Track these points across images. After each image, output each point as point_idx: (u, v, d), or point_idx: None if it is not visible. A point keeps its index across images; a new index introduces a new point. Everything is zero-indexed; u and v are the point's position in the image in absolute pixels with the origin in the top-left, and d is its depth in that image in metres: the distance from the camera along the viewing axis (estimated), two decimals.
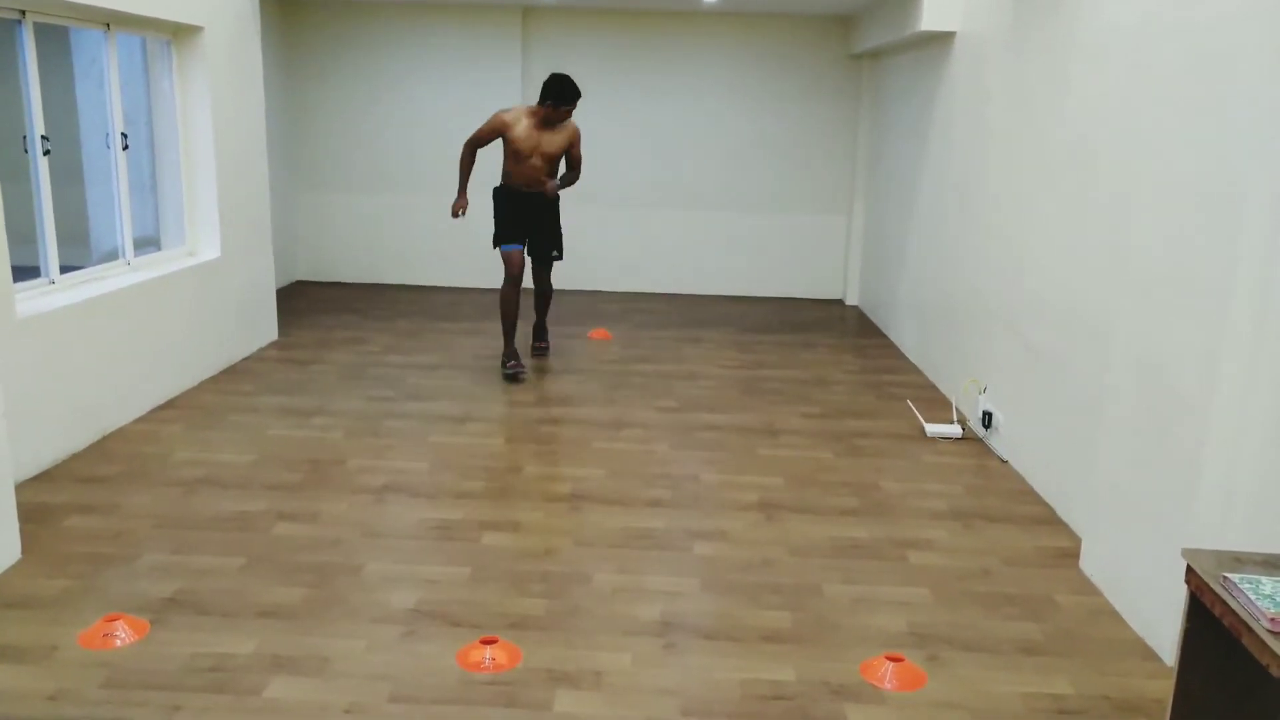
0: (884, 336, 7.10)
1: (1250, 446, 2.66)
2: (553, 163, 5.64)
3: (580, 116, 8.34)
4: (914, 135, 6.55)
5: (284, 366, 5.82)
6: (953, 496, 4.11)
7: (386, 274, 8.51)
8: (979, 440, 4.79)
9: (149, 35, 5.26)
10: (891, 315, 7.08)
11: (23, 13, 4.20)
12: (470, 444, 4.58)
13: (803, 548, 3.58)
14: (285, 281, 8.12)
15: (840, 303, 8.38)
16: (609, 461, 4.40)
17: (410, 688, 2.66)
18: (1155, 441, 2.97)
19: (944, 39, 5.87)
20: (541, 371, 5.89)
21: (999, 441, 4.61)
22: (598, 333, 6.83)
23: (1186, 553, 2.13)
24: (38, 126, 4.31)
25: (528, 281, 5.92)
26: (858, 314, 7.93)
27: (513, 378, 5.59)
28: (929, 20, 5.62)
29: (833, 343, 6.86)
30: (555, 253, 5.90)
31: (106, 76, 4.93)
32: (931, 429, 4.86)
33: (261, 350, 6.14)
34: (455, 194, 5.76)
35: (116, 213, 5.05)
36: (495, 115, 5.59)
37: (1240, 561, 2.08)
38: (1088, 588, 3.33)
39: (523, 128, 5.51)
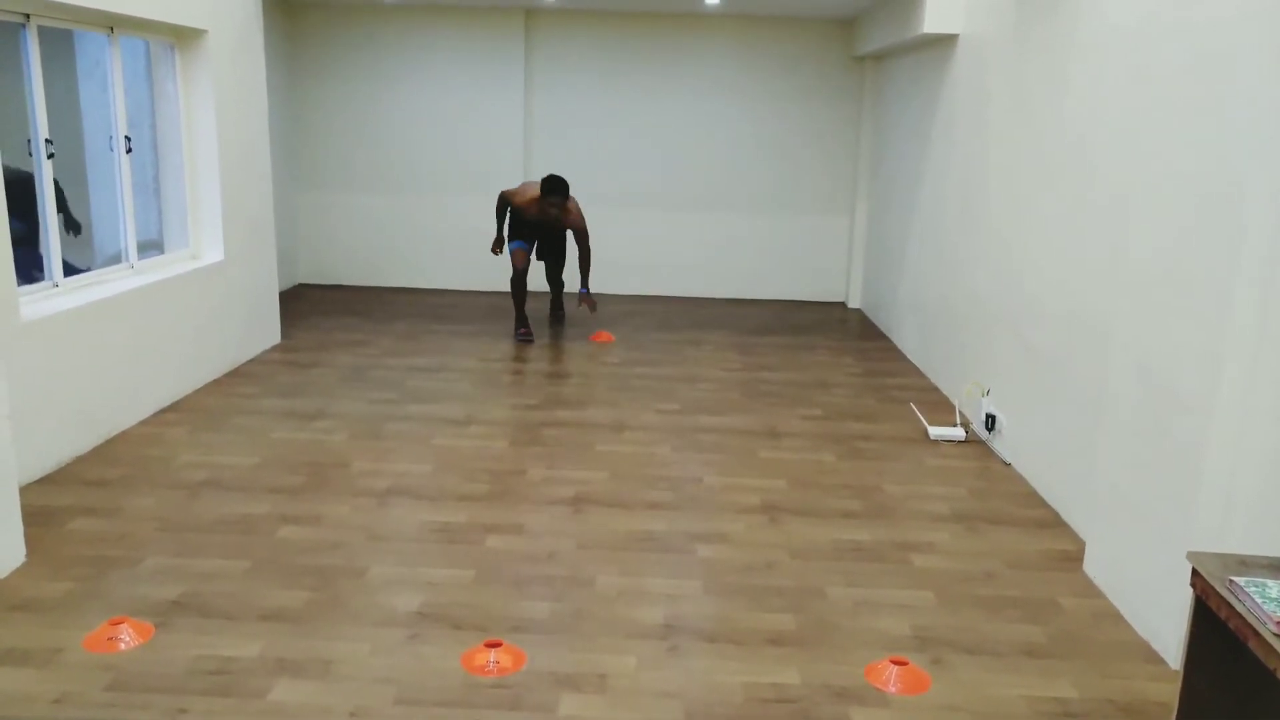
0: (886, 339, 7.10)
1: (1252, 448, 2.67)
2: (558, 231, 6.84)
3: (583, 118, 8.42)
4: (916, 137, 6.56)
5: (287, 369, 5.83)
6: (956, 499, 4.11)
7: (388, 277, 8.52)
8: (982, 443, 4.79)
9: (152, 38, 5.27)
10: (893, 317, 7.08)
11: (27, 16, 4.21)
12: (473, 446, 4.58)
13: (805, 550, 3.58)
14: (287, 284, 8.12)
15: (842, 305, 8.38)
16: (611, 464, 4.40)
17: (415, 690, 2.66)
18: (1157, 443, 2.97)
19: (946, 41, 5.87)
20: (543, 374, 5.89)
21: (1002, 444, 4.61)
22: (599, 335, 6.84)
23: (1191, 556, 2.13)
24: (42, 129, 4.32)
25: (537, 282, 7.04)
26: (859, 316, 7.94)
27: (525, 341, 6.54)
28: (931, 23, 5.63)
29: (834, 345, 6.86)
30: (564, 260, 7.07)
31: (110, 79, 4.94)
32: (935, 431, 4.86)
33: (264, 353, 6.15)
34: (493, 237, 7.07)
35: (120, 216, 5.06)
36: (521, 188, 6.71)
37: (1245, 564, 2.08)
38: (1091, 590, 3.33)
39: (530, 206, 6.51)
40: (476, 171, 8.27)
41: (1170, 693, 2.73)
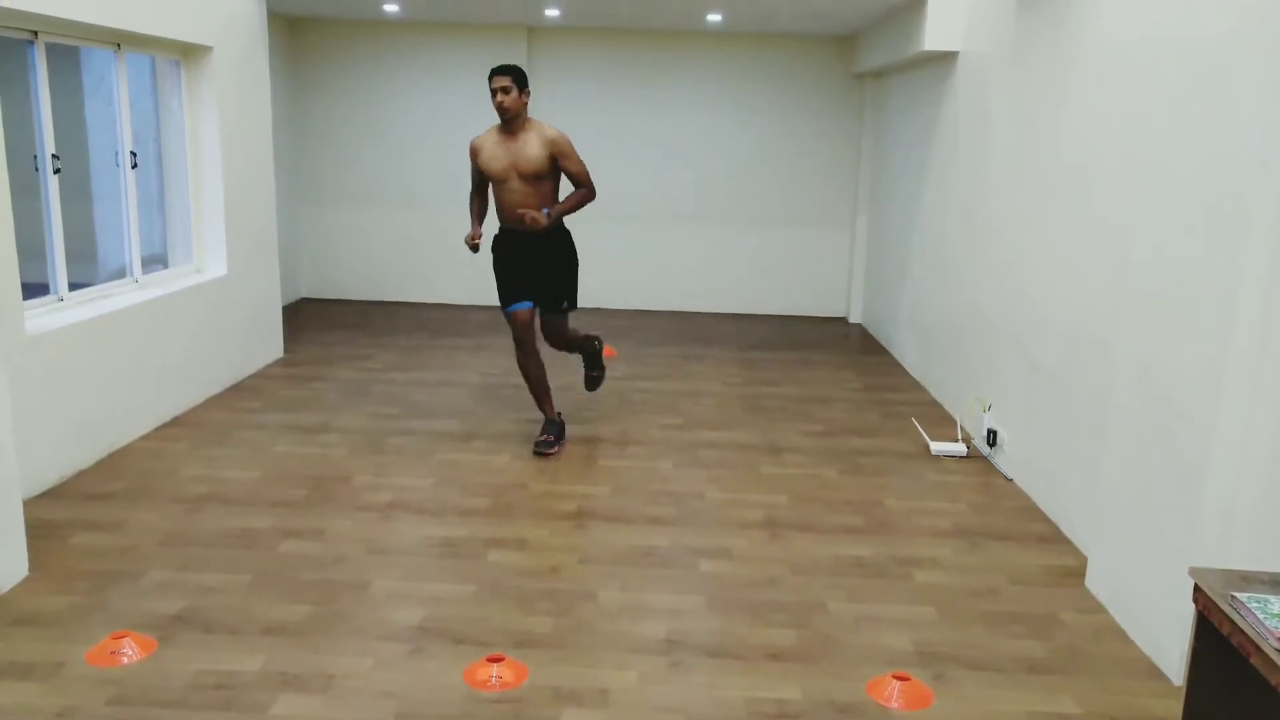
0: (887, 354, 7.11)
1: (1254, 463, 2.67)
2: (537, 185, 4.51)
3: (584, 135, 8.44)
4: (916, 153, 6.59)
5: (289, 383, 5.84)
6: (958, 514, 4.11)
7: (390, 291, 8.54)
8: (984, 458, 4.80)
9: (158, 55, 5.31)
10: (894, 332, 7.09)
11: (35, 33, 4.24)
12: (475, 461, 4.59)
13: (807, 566, 3.58)
14: (289, 298, 8.14)
15: (843, 320, 8.39)
16: (613, 479, 4.41)
17: (417, 705, 2.66)
18: (1159, 458, 2.98)
19: (946, 59, 5.91)
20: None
21: (1004, 459, 4.61)
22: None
23: (1194, 571, 2.14)
24: (48, 145, 4.35)
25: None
26: (861, 331, 7.95)
27: (545, 452, 4.67)
28: (931, 40, 5.66)
29: (835, 360, 6.87)
30: (566, 303, 4.74)
31: (116, 95, 4.97)
32: (936, 447, 4.87)
33: (267, 367, 6.16)
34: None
35: (125, 230, 5.08)
36: (470, 144, 4.70)
37: (1247, 580, 2.09)
38: (1093, 606, 3.33)
39: (489, 146, 4.55)
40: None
41: (1173, 709, 2.73)
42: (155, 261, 5.47)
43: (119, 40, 4.85)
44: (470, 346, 6.89)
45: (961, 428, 5.12)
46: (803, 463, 4.71)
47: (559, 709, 2.66)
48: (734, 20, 7.27)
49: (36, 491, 3.98)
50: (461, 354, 6.68)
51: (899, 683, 2.78)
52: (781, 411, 5.55)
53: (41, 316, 4.27)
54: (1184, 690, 2.16)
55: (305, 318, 7.69)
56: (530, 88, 4.55)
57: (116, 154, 5.04)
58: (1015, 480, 4.47)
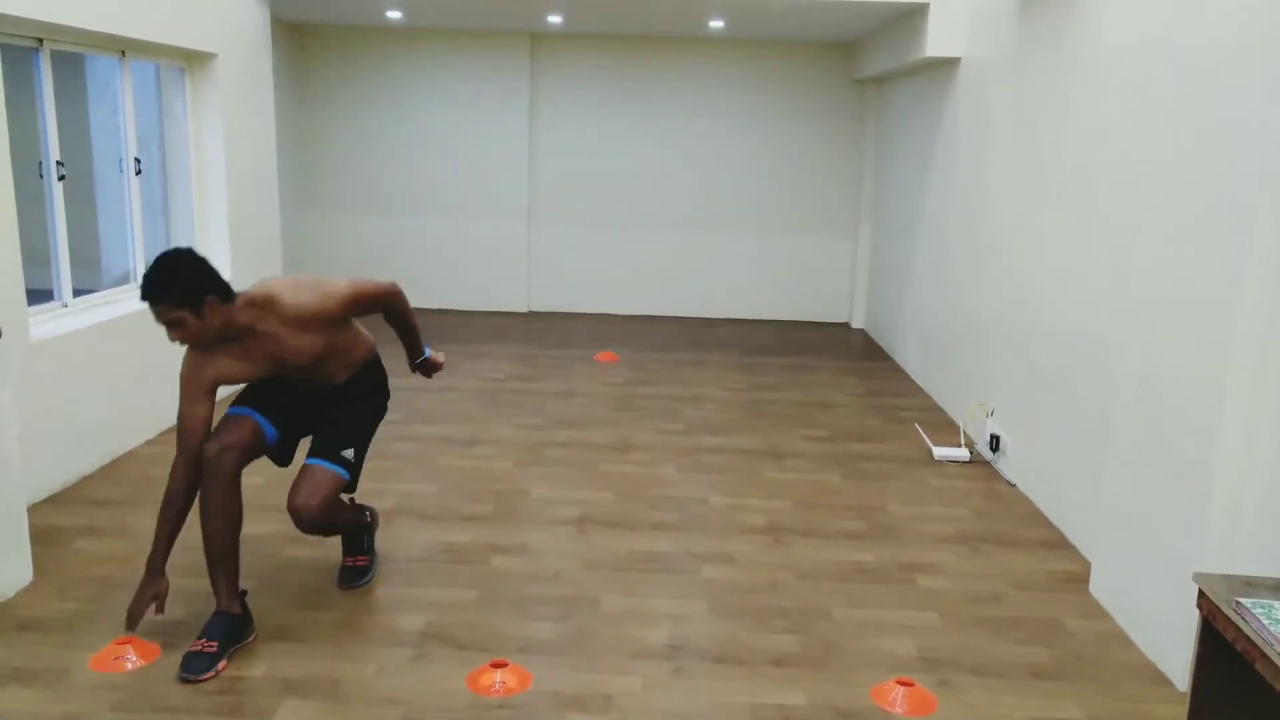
0: (889, 359, 7.11)
1: (1257, 467, 2.67)
2: (324, 356, 3.05)
3: (587, 141, 8.47)
4: (918, 159, 6.60)
5: None
6: (960, 520, 4.11)
7: None
8: (986, 463, 4.79)
9: (163, 62, 5.32)
10: (897, 338, 7.10)
11: (40, 41, 4.26)
12: (478, 467, 4.59)
13: (810, 571, 3.58)
14: None
15: (845, 325, 8.40)
16: (616, 484, 4.41)
17: (421, 711, 2.66)
18: (1162, 464, 2.98)
19: (948, 65, 5.92)
20: (547, 394, 5.90)
21: (1007, 465, 4.61)
22: (604, 355, 6.85)
23: (1198, 577, 2.14)
24: (53, 152, 4.36)
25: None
26: (863, 337, 7.95)
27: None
28: (933, 46, 5.68)
29: (838, 365, 6.87)
30: (349, 450, 3.11)
31: (120, 102, 4.99)
32: (939, 452, 4.87)
33: None
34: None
35: (129, 236, 5.09)
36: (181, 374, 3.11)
37: (1252, 586, 2.09)
38: (1097, 611, 3.32)
39: (222, 364, 3.04)
40: (481, 193, 8.32)
41: (1177, 715, 2.73)
42: None
43: (123, 47, 4.87)
44: (472, 353, 6.90)
45: (964, 433, 5.12)
46: (805, 468, 4.71)
47: (562, 714, 2.66)
48: (736, 27, 7.29)
49: (41, 497, 3.99)
50: (464, 360, 6.68)
51: (903, 688, 2.78)
52: (784, 417, 5.55)
53: (46, 323, 4.28)
54: (1188, 696, 2.16)
55: None
56: (210, 291, 2.88)
57: (121, 160, 5.05)
58: (1018, 485, 4.47)
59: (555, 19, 7.15)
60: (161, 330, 2.87)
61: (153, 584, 2.92)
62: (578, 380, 6.25)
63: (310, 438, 3.18)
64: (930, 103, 6.34)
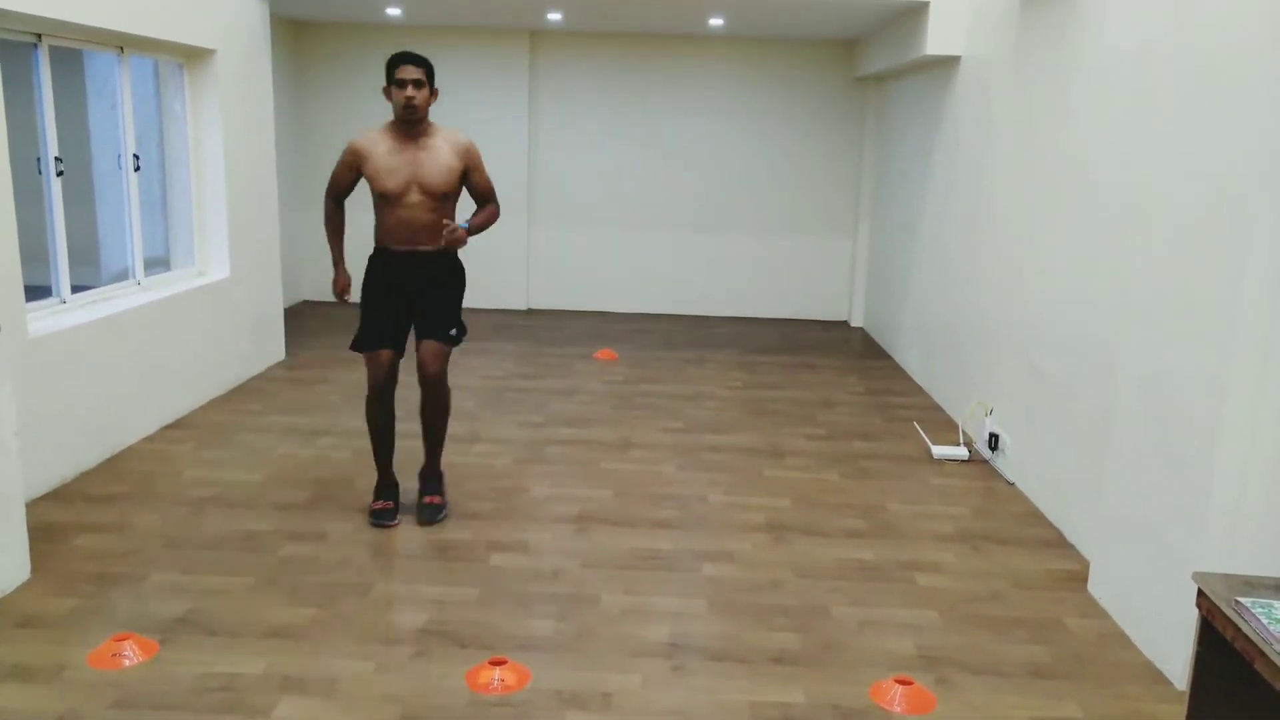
0: (889, 358, 7.11)
1: (1258, 467, 2.67)
2: (443, 203, 3.76)
3: (587, 139, 8.47)
4: (918, 158, 6.59)
5: (291, 386, 5.84)
6: (960, 519, 4.11)
7: None
8: (986, 462, 4.79)
9: (161, 58, 5.31)
10: (896, 337, 7.09)
11: (39, 36, 4.25)
12: (477, 464, 4.59)
13: (810, 569, 3.58)
14: (292, 301, 8.14)
15: (845, 324, 8.39)
16: (616, 482, 4.41)
17: (419, 708, 2.65)
18: (1162, 464, 2.98)
19: (948, 63, 5.91)
20: (548, 392, 5.89)
21: (1006, 464, 4.61)
22: (604, 353, 6.85)
23: (1197, 576, 2.13)
24: (51, 148, 4.36)
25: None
26: (863, 336, 7.95)
27: (382, 524, 3.81)
28: (934, 45, 5.67)
29: (838, 364, 6.87)
30: (454, 331, 3.87)
31: (119, 98, 4.98)
32: (938, 451, 4.86)
33: (269, 369, 6.16)
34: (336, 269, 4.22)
35: (127, 233, 5.09)
36: (347, 145, 3.85)
37: (1251, 585, 2.09)
38: (1096, 611, 3.32)
39: (383, 150, 3.73)
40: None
41: (1176, 714, 2.73)
42: (158, 264, 5.47)
43: (122, 43, 4.86)
44: (471, 350, 6.89)
45: (963, 432, 5.12)
46: (805, 466, 4.70)
47: (562, 712, 2.66)
48: (736, 24, 7.28)
49: (39, 493, 3.98)
50: (464, 357, 6.67)
51: (902, 687, 2.78)
52: (784, 415, 5.55)
53: (44, 319, 4.28)
54: (1187, 695, 2.16)
55: (308, 320, 7.69)
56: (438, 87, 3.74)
57: (119, 157, 5.04)
58: (1017, 484, 4.47)
59: (555, 16, 7.14)
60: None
61: (339, 279, 4.09)
62: (578, 378, 6.24)
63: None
64: (930, 101, 6.33)
